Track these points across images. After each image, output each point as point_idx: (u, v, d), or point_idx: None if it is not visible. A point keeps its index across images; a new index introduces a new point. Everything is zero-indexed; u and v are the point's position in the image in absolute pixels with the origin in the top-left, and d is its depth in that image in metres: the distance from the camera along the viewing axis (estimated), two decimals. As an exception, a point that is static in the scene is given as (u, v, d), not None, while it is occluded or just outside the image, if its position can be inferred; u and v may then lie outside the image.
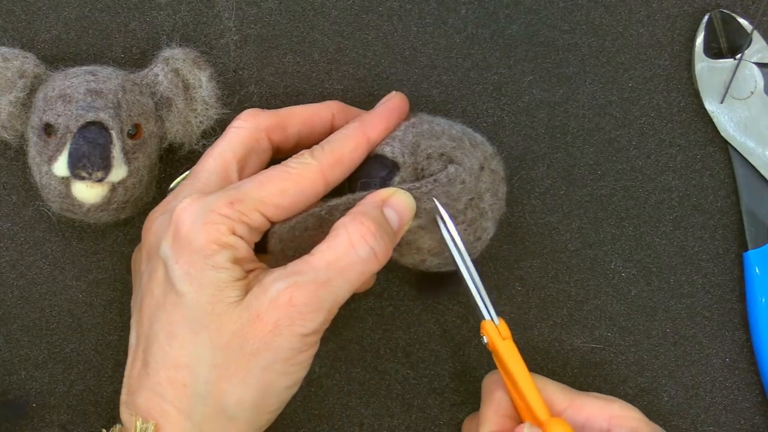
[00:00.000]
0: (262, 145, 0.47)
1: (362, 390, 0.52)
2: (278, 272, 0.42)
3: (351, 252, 0.42)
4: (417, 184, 0.46)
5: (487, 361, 0.52)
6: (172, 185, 0.50)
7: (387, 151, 0.46)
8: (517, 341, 0.52)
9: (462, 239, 0.46)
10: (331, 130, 0.48)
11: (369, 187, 0.45)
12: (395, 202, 0.45)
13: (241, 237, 0.43)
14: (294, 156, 0.45)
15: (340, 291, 0.42)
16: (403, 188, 0.45)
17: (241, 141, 0.47)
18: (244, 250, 0.43)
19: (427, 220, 0.46)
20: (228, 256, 0.42)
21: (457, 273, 0.46)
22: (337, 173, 0.45)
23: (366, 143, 0.46)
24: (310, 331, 0.42)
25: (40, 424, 0.51)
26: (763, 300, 0.52)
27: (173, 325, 0.42)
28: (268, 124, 0.47)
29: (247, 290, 0.42)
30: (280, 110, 0.48)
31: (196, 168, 0.47)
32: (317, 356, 0.44)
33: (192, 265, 0.42)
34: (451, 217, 0.46)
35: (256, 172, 0.47)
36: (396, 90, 0.53)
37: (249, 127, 0.47)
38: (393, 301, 0.53)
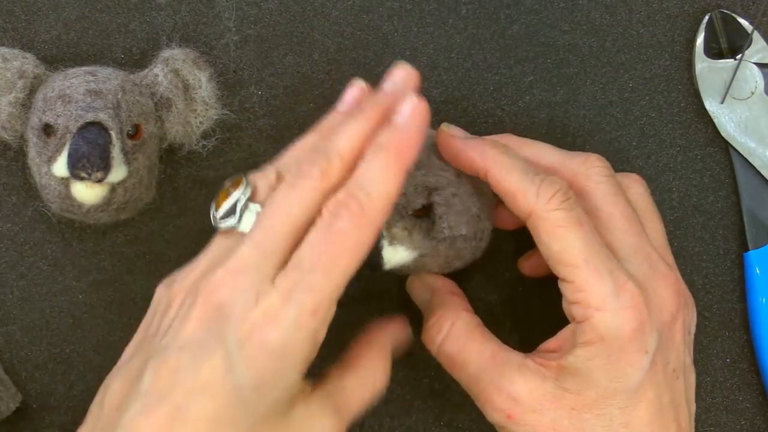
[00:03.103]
0: None
1: (363, 391, 0.52)
2: (321, 402, 0.41)
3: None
4: (433, 235, 0.45)
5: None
6: (222, 207, 0.42)
7: None
8: (516, 341, 0.52)
9: (465, 254, 0.47)
10: None
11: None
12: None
13: (316, 343, 0.40)
14: (339, 213, 0.40)
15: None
16: (418, 236, 0.45)
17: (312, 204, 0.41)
18: (311, 358, 0.41)
19: (427, 249, 0.46)
20: (302, 367, 0.40)
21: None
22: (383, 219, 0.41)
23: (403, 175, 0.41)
24: None
25: (40, 424, 0.51)
26: (764, 300, 0.52)
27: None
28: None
29: (293, 404, 0.40)
30: None
31: (264, 226, 0.41)
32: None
33: (265, 370, 0.39)
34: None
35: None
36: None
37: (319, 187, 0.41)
38: (393, 301, 0.53)
